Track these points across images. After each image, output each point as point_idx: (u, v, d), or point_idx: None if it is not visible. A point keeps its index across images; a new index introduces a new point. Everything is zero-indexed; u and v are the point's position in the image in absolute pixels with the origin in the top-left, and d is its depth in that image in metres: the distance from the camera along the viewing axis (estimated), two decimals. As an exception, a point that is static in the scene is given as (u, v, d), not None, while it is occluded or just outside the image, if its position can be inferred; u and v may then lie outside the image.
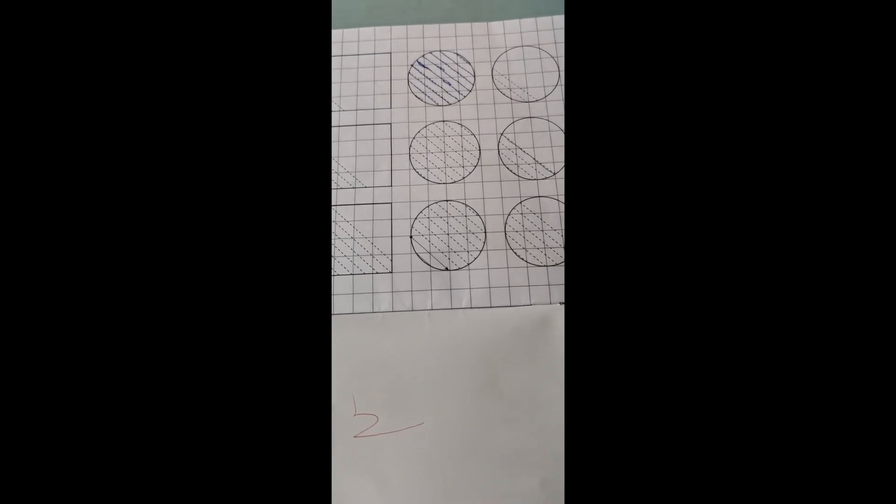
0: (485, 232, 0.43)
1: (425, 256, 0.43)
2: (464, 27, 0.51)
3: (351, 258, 0.43)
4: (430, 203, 0.44)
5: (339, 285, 0.42)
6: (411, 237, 0.43)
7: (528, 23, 0.50)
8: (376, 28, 0.51)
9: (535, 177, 0.45)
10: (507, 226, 0.44)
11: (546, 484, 0.37)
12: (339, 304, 0.41)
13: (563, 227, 0.43)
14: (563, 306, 0.41)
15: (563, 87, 0.48)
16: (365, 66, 0.49)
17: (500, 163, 0.45)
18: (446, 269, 0.42)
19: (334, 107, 0.48)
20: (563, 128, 0.47)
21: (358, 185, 0.45)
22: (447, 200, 0.44)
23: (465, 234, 0.43)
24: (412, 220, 0.44)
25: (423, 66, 0.49)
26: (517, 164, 0.45)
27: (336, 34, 0.51)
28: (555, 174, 0.45)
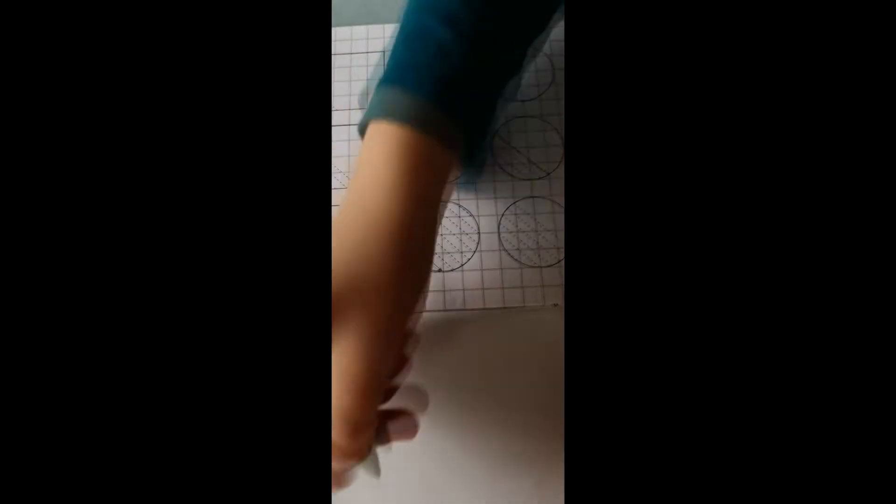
0: (478, 233, 0.43)
1: (419, 258, 0.43)
2: (457, 25, 0.50)
3: (344, 260, 0.43)
4: (424, 204, 0.44)
5: (332, 287, 0.42)
6: (405, 238, 0.43)
7: (522, 21, 0.50)
8: (369, 27, 0.51)
9: (528, 177, 0.45)
10: (500, 226, 0.43)
11: (541, 485, 0.37)
12: (332, 306, 0.41)
13: (557, 228, 0.43)
14: (556, 308, 0.41)
15: (558, 86, 0.48)
16: (358, 66, 0.49)
17: (494, 162, 0.45)
18: (440, 270, 0.42)
19: (327, 107, 0.48)
20: (557, 127, 0.46)
21: (351, 186, 0.45)
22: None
23: (458, 235, 0.43)
24: (406, 221, 0.44)
25: (417, 65, 0.49)
26: (511, 164, 0.45)
27: (329, 33, 0.51)
28: (549, 174, 0.45)
